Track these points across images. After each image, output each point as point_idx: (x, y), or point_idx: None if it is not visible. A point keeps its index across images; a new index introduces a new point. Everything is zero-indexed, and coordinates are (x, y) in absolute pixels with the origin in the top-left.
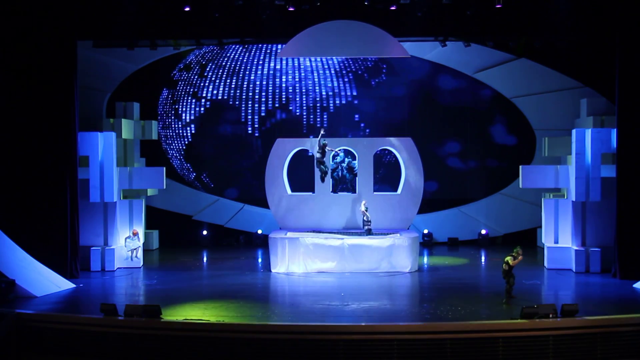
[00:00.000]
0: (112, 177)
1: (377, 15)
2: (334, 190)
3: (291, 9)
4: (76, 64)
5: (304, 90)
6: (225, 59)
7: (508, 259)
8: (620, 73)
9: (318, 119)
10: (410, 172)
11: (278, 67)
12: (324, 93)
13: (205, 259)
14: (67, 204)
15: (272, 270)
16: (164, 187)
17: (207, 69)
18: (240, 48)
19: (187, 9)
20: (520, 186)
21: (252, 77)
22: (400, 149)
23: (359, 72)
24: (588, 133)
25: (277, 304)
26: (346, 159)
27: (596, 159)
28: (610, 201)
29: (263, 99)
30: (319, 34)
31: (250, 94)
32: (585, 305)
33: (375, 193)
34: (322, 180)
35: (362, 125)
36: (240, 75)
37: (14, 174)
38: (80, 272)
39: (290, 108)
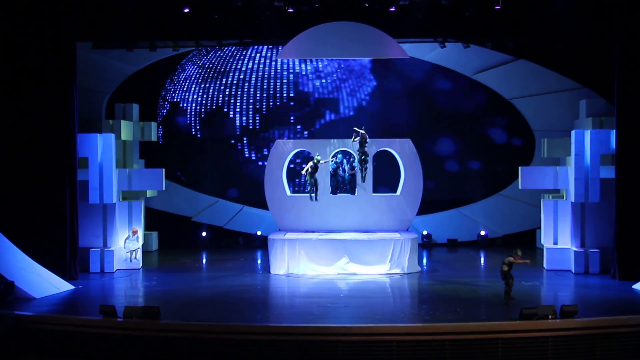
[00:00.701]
0: (111, 178)
1: (377, 16)
2: (333, 192)
3: (290, 10)
4: (75, 65)
5: (239, 93)
6: (190, 63)
7: (508, 259)
8: (619, 74)
9: (250, 120)
10: (409, 173)
11: (222, 69)
12: (258, 95)
13: (204, 260)
14: (67, 206)
15: (272, 272)
16: (163, 188)
17: (175, 73)
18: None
19: (186, 10)
20: (520, 187)
21: (199, 80)
22: (400, 150)
23: (302, 73)
24: (587, 134)
25: (277, 306)
26: (344, 160)
27: (595, 160)
28: (610, 202)
29: (204, 101)
30: (318, 35)
31: (195, 96)
32: (585, 307)
33: (374, 194)
34: (315, 194)
35: (298, 127)
36: (192, 79)
37: (13, 175)
38: (80, 273)
39: (225, 110)
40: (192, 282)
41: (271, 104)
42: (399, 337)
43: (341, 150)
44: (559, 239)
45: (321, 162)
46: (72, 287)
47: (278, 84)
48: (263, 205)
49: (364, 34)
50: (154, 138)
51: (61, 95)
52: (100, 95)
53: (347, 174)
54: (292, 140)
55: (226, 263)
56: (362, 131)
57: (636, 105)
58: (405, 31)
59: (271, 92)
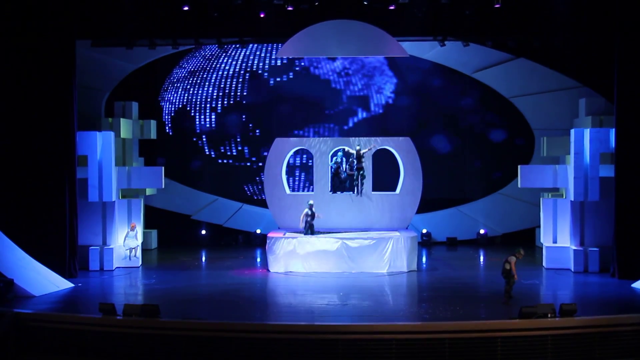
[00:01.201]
0: (110, 176)
1: (376, 14)
2: (333, 191)
3: (290, 9)
4: (75, 63)
5: (197, 91)
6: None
7: (510, 258)
8: (619, 73)
9: (207, 119)
10: (409, 172)
11: (194, 69)
12: (214, 93)
13: (204, 258)
14: (66, 204)
15: (271, 270)
16: (163, 186)
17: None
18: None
19: (185, 8)
20: (519, 186)
21: (172, 78)
22: (399, 149)
23: (259, 72)
24: (587, 133)
25: (276, 304)
26: (344, 159)
27: (595, 159)
28: (609, 201)
29: (173, 99)
30: (318, 34)
31: (169, 95)
32: (584, 305)
33: (373, 192)
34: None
35: (250, 125)
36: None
37: (12, 174)
38: (79, 271)
39: (188, 109)
40: (192, 280)
41: (226, 102)
42: (399, 336)
43: (340, 149)
44: (558, 237)
45: (314, 210)
46: (72, 285)
47: (234, 81)
48: (265, 203)
49: (363, 33)
50: (153, 136)
51: (61, 93)
52: (99, 93)
53: (345, 174)
54: (291, 139)
55: (225, 261)
56: (355, 151)
57: (636, 104)
58: (405, 30)
59: (226, 90)
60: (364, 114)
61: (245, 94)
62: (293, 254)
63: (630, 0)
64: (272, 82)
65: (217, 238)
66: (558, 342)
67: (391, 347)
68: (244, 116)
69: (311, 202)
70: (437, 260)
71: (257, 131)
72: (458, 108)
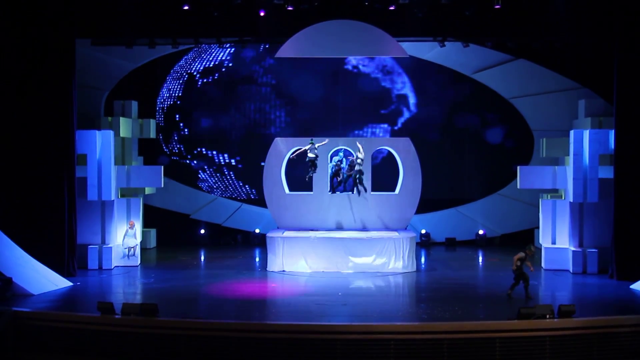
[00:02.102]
0: (109, 175)
1: (376, 15)
2: (332, 190)
3: (290, 8)
4: (74, 62)
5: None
6: None
7: (520, 255)
8: (618, 74)
9: (160, 119)
10: (408, 172)
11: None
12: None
13: (202, 257)
14: (65, 202)
15: (270, 269)
16: (162, 185)
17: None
18: None
19: (186, 7)
20: (518, 187)
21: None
22: (399, 149)
23: (193, 73)
24: (586, 134)
25: (275, 304)
26: (344, 159)
27: (594, 160)
28: (608, 202)
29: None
30: (318, 34)
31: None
32: (582, 306)
33: (373, 193)
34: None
35: (181, 125)
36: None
37: (12, 172)
38: (78, 270)
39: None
40: (190, 280)
41: (168, 103)
42: (397, 336)
43: (342, 149)
44: (557, 238)
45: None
46: (70, 283)
47: (176, 83)
48: (264, 203)
49: (363, 33)
50: (152, 135)
51: (60, 92)
52: (99, 92)
53: (345, 175)
54: (290, 139)
55: (224, 261)
56: (352, 159)
57: (635, 106)
58: (405, 30)
59: (171, 92)
60: (367, 115)
61: (179, 94)
62: (292, 253)
63: (629, 2)
64: (200, 83)
65: (216, 237)
66: (556, 343)
67: (389, 347)
68: (177, 115)
69: (312, 141)
70: (435, 260)
71: (186, 130)
72: (457, 109)
